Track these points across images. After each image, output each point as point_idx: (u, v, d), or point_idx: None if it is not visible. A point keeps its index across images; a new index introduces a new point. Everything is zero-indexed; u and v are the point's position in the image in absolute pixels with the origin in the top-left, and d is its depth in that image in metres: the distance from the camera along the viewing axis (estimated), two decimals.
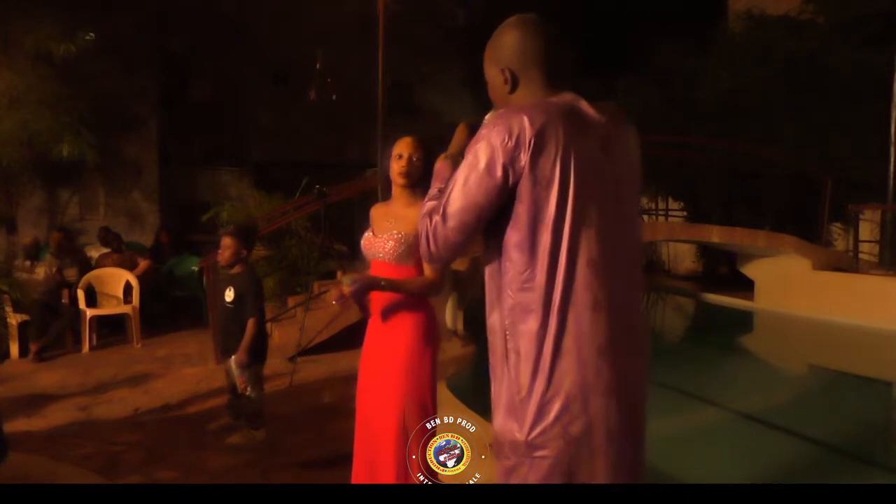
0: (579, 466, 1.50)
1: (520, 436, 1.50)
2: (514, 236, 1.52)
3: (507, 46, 1.62)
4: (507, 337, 1.55)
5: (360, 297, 2.54)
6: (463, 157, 1.63)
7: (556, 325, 1.49)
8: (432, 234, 1.57)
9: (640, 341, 1.61)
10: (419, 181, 2.57)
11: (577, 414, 1.48)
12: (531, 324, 1.50)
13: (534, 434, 1.49)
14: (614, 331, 1.52)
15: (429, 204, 1.64)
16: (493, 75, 1.66)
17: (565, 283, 1.49)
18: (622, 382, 1.53)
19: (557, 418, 1.48)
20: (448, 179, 1.64)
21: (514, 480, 1.55)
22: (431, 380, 2.59)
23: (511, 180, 1.49)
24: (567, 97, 1.58)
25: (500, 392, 1.57)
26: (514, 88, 1.62)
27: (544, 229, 1.49)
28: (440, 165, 1.77)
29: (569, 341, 1.49)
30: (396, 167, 2.61)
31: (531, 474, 1.51)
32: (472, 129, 1.74)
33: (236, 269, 4.12)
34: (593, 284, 1.50)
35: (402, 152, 2.60)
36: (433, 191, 1.70)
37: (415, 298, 2.60)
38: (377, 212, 2.72)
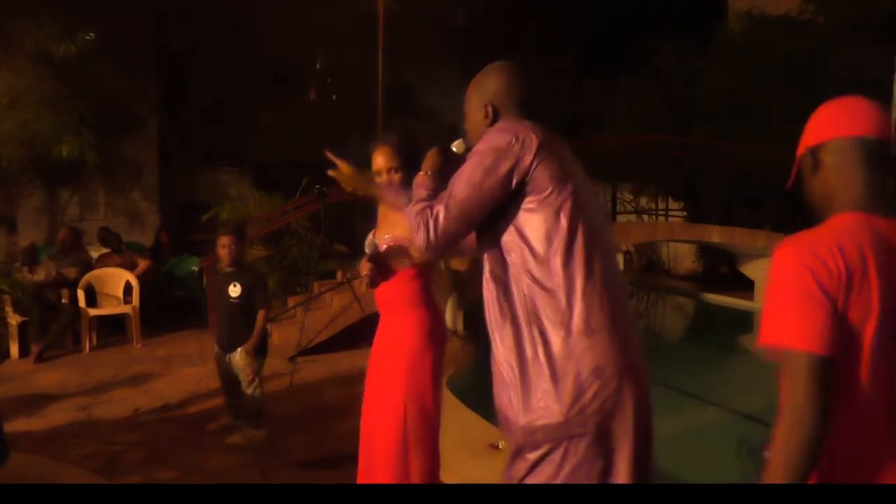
0: (613, 441, 1.56)
1: (558, 416, 1.53)
2: (529, 229, 1.61)
3: (491, 85, 1.80)
4: (526, 326, 1.59)
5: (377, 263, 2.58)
6: (439, 176, 1.80)
7: (583, 307, 1.56)
8: (433, 222, 1.65)
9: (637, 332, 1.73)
10: (404, 186, 2.53)
11: (612, 389, 1.54)
12: (555, 308, 1.57)
13: (573, 412, 1.53)
14: (625, 308, 1.65)
15: (420, 203, 1.72)
16: (475, 108, 1.82)
17: (586, 268, 1.58)
18: (640, 356, 1.63)
19: (595, 395, 1.53)
20: (432, 189, 1.77)
21: (544, 469, 1.56)
22: (432, 380, 2.54)
23: (515, 179, 1.60)
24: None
25: (526, 382, 1.58)
26: (493, 123, 1.77)
27: (560, 219, 1.59)
28: (421, 179, 1.84)
29: (596, 319, 1.56)
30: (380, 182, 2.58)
31: (569, 455, 1.54)
32: (444, 155, 1.90)
33: (237, 266, 4.15)
34: (607, 269, 1.62)
35: (379, 168, 2.54)
36: (421, 195, 1.77)
37: (420, 299, 2.58)
38: (382, 212, 2.69)
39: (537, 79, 1.82)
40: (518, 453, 1.61)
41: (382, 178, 2.53)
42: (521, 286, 1.61)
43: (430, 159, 1.90)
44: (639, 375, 1.59)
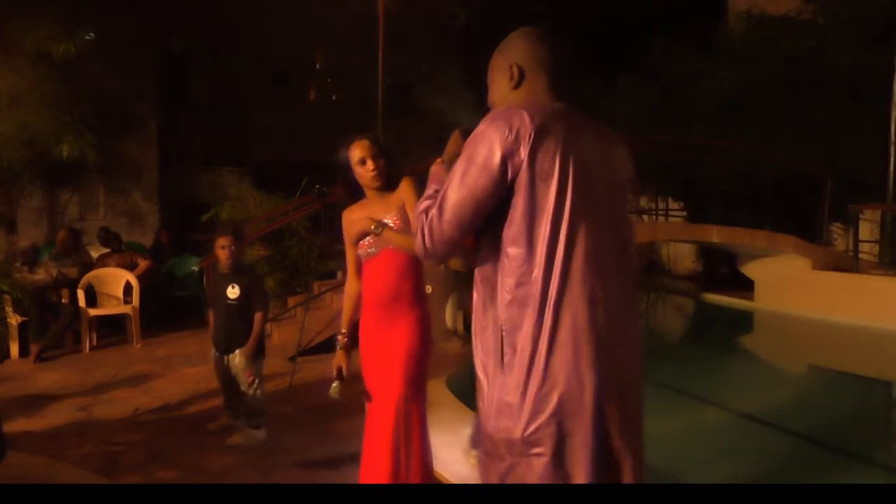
0: (575, 464, 1.48)
1: (515, 433, 1.48)
2: (511, 230, 1.52)
3: (519, 47, 1.67)
4: (504, 334, 1.53)
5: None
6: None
7: (552, 319, 1.47)
8: (428, 228, 1.56)
9: (635, 337, 1.61)
10: (388, 178, 2.63)
11: (572, 410, 1.46)
12: (528, 318, 1.49)
13: (529, 430, 1.47)
14: (610, 325, 1.51)
15: (425, 202, 1.63)
16: (500, 70, 1.69)
17: (562, 277, 1.48)
18: (618, 378, 1.52)
19: (553, 414, 1.46)
20: (444, 181, 1.65)
21: (511, 482, 1.52)
22: (426, 374, 2.69)
23: (509, 175, 1.50)
24: (564, 105, 1.62)
25: (493, 391, 1.55)
26: (518, 85, 1.65)
27: (542, 222, 1.49)
28: (435, 169, 1.77)
29: (564, 335, 1.47)
30: (365, 173, 2.63)
31: (528, 474, 1.49)
32: (466, 136, 1.75)
33: (236, 267, 4.13)
34: (590, 278, 1.50)
35: (363, 156, 2.62)
36: (429, 191, 1.69)
37: (417, 297, 2.65)
38: (354, 216, 2.72)
39: (564, 47, 1.69)
40: (489, 460, 1.58)
41: (369, 167, 2.61)
42: (504, 291, 1.53)
43: (451, 142, 1.78)
44: (613, 391, 1.50)
